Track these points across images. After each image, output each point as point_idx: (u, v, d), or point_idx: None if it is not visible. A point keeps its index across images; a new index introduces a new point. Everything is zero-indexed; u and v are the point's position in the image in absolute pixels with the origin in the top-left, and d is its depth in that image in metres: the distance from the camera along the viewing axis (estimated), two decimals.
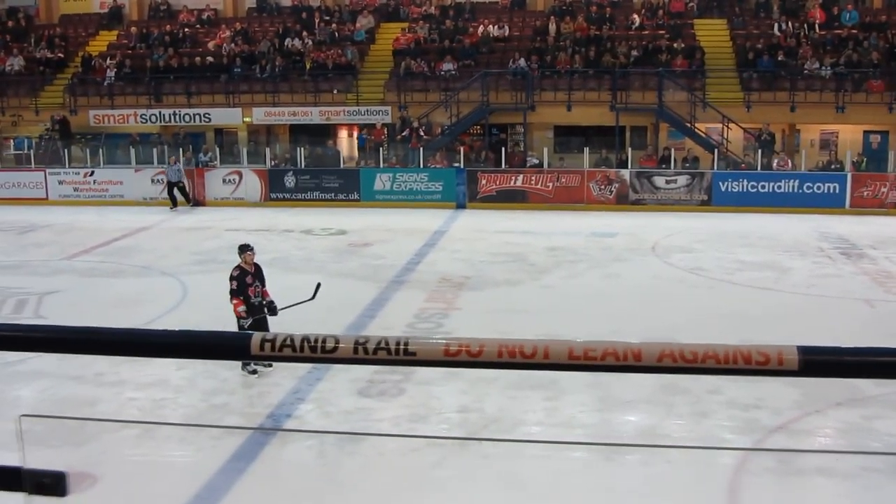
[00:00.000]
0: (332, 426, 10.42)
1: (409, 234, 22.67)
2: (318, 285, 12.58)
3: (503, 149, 28.26)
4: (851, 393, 10.81)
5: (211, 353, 2.02)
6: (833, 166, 27.16)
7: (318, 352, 1.78)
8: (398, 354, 1.74)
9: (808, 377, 1.59)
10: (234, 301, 11.90)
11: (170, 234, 23.33)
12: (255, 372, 11.91)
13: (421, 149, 27.81)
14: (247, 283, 11.98)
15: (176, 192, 27.47)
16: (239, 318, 11.85)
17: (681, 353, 1.61)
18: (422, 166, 27.66)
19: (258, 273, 12.20)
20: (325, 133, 31.13)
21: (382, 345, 1.76)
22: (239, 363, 11.62)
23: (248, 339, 1.84)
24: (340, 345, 1.78)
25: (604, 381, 11.02)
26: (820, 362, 1.64)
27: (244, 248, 12.23)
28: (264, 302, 12.14)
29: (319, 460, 9.25)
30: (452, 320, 14.64)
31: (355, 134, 31.27)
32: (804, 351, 1.62)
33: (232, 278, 11.97)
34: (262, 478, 8.96)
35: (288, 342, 1.80)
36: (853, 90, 28.76)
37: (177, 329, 2.01)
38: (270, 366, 11.92)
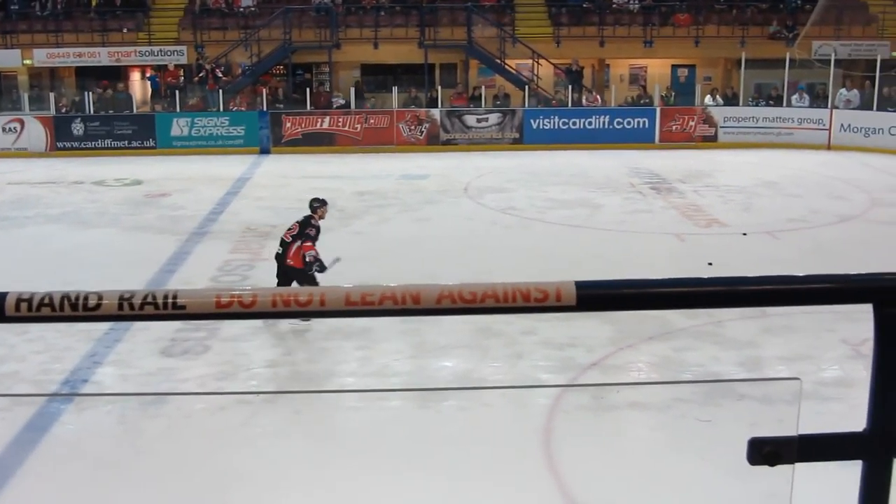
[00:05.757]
0: (134, 389, 10.06)
1: (210, 182, 21.88)
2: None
3: (308, 90, 27.45)
4: (663, 327, 11.10)
5: None
6: (642, 101, 27.60)
7: (79, 310, 1.65)
8: (166, 308, 1.64)
9: (586, 311, 1.62)
10: (313, 248, 11.53)
11: None
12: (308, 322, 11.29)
13: (220, 91, 26.58)
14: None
15: None
16: (315, 261, 11.49)
17: (459, 294, 1.60)
18: (222, 110, 26.53)
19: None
20: (115, 76, 29.27)
21: (149, 299, 1.65)
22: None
23: (2, 299, 1.68)
24: (104, 301, 1.65)
25: (418, 328, 10.97)
26: (597, 296, 1.64)
27: (322, 203, 12.11)
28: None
29: (120, 425, 8.80)
30: (259, 271, 14.21)
31: (147, 76, 29.54)
32: (581, 286, 1.61)
33: (315, 227, 11.69)
34: (59, 448, 8.58)
35: (46, 301, 1.66)
36: (661, 24, 29.17)
37: None
38: (308, 320, 11.18)
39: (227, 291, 1.63)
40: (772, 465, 1.70)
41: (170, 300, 1.63)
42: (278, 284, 11.42)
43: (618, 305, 1.72)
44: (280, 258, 11.68)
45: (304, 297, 1.61)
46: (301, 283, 11.34)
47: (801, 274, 1.69)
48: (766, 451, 1.70)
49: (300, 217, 12.02)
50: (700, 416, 8.60)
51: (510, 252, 15.18)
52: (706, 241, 16.13)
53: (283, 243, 11.73)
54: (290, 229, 11.81)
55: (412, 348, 10.81)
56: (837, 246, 15.64)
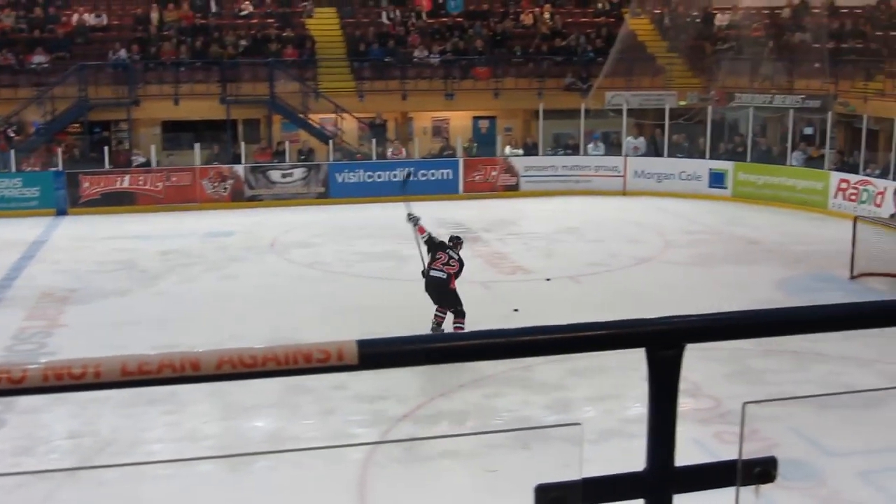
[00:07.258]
0: None
1: (3, 246, 20.79)
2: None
3: (107, 148, 26.36)
4: (473, 374, 11.42)
5: None
6: (446, 153, 27.94)
7: None
8: None
9: (369, 370, 1.63)
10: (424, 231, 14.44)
11: None
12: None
13: (12, 151, 25.30)
14: None
15: None
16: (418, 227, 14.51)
17: (240, 359, 1.58)
18: (14, 170, 25.20)
19: None
20: None
21: None
22: None
23: None
24: None
25: (225, 389, 10.62)
26: (379, 353, 1.65)
27: (459, 241, 14.33)
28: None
29: None
30: (57, 339, 13.90)
31: None
32: (362, 344, 1.63)
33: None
34: None
35: None
36: (461, 77, 29.80)
37: None
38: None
39: None
40: None
41: None
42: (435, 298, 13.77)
43: (400, 362, 1.74)
44: (445, 282, 13.55)
45: (77, 369, 1.54)
46: (447, 299, 13.54)
47: (599, 319, 1.74)
48: (552, 497, 1.70)
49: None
50: (500, 464, 8.69)
51: (319, 307, 15.20)
52: (511, 287, 16.55)
53: (447, 273, 13.63)
54: (440, 259, 13.83)
55: (220, 410, 10.71)
56: (636, 287, 16.30)
